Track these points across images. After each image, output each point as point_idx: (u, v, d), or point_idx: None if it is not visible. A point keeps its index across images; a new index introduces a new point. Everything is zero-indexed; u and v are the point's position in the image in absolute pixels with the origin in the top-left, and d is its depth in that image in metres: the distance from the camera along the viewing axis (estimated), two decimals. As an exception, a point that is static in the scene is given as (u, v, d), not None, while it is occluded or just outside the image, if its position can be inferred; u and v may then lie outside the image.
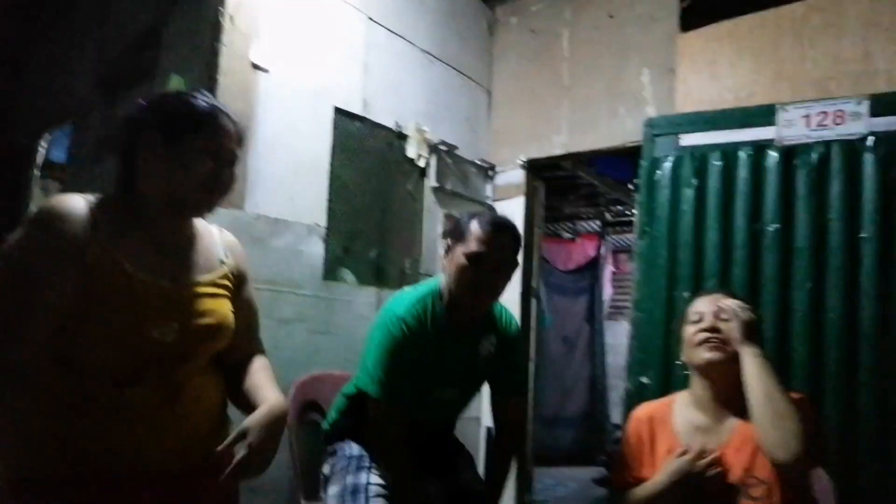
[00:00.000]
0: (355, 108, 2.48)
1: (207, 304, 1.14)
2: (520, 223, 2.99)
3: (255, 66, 2.09)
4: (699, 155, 2.20)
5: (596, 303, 5.71)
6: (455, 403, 1.68)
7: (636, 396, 2.23)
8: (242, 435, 1.06)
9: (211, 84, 2.00)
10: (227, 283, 1.22)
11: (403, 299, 1.55)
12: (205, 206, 1.17)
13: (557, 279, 5.55)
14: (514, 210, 3.04)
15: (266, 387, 1.19)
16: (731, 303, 1.47)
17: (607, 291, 5.80)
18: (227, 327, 1.18)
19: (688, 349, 1.48)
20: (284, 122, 2.21)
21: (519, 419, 1.86)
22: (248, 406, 1.16)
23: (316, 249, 2.32)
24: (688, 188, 2.20)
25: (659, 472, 1.39)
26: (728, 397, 1.39)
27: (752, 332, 1.40)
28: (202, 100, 1.16)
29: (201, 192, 1.12)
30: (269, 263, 2.14)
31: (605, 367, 5.69)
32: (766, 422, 1.27)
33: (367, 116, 2.53)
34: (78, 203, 1.04)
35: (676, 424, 1.47)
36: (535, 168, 3.06)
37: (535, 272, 3.13)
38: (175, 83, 2.11)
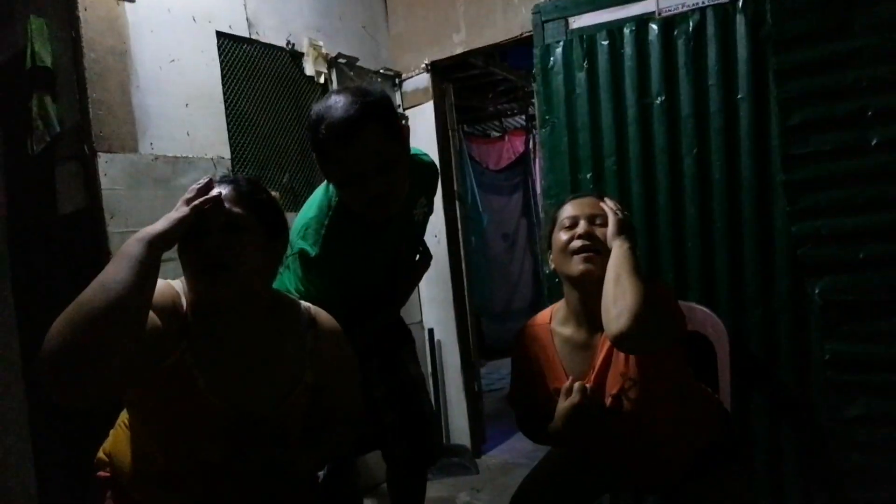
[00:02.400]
0: (240, 31, 2.38)
1: (274, 432, 1.11)
2: (432, 127, 3.01)
3: (118, -2, 1.97)
4: (587, 37, 2.23)
5: (530, 196, 5.85)
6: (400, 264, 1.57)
7: (552, 277, 2.37)
8: None
9: (73, 22, 1.89)
10: (305, 397, 1.18)
11: (303, 225, 1.43)
12: (214, 296, 1.07)
13: (490, 178, 5.63)
14: (425, 115, 3.04)
15: None
16: (609, 203, 1.42)
17: (540, 183, 5.91)
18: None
19: (560, 257, 1.40)
20: (164, 54, 2.12)
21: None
22: None
23: (224, 182, 2.30)
24: (579, 71, 2.24)
25: (556, 418, 1.37)
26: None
27: (625, 228, 1.36)
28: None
29: (199, 275, 1.06)
30: (176, 203, 2.12)
31: (546, 257, 5.90)
32: (609, 300, 1.26)
33: (255, 38, 2.44)
34: (173, 291, 1.08)
35: (556, 344, 1.46)
36: (441, 70, 3.03)
37: (456, 175, 3.18)
38: (36, 26, 1.98)
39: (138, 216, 1.96)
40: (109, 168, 1.94)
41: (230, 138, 2.31)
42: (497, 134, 5.91)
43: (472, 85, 4.51)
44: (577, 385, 1.36)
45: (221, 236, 1.05)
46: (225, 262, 1.04)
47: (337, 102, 1.27)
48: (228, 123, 2.31)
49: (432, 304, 3.15)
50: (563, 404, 1.37)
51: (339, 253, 1.39)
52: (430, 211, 1.66)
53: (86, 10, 1.90)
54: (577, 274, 1.36)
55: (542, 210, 2.45)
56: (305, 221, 1.45)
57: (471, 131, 5.70)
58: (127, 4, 1.99)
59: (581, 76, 2.24)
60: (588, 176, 2.25)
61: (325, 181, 1.44)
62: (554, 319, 1.51)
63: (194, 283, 1.08)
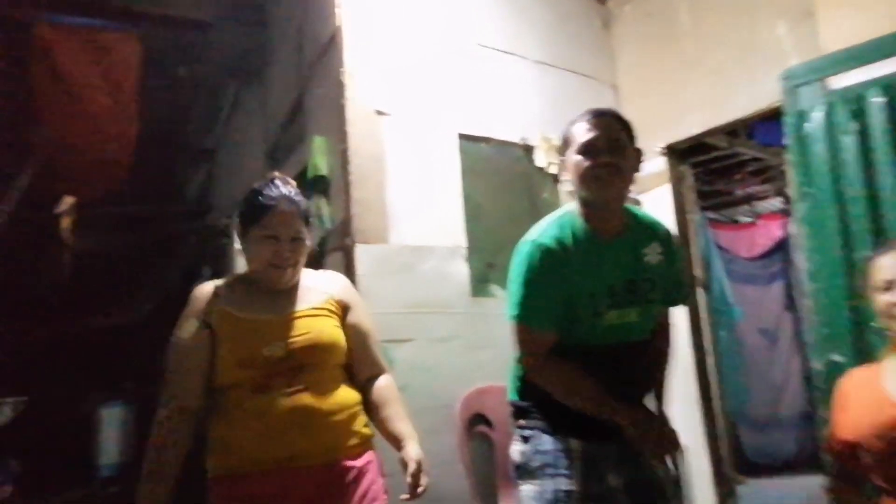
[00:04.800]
0: (478, 131, 2.59)
1: (307, 324, 1.43)
2: (669, 212, 2.85)
3: (379, 112, 2.31)
4: (854, 96, 1.94)
5: (794, 287, 5.10)
6: (636, 326, 1.54)
7: (829, 377, 1.98)
8: (404, 464, 1.37)
9: (343, 135, 2.26)
10: (329, 307, 1.48)
11: (537, 227, 1.55)
12: (278, 278, 1.44)
13: (742, 268, 5.07)
14: (662, 200, 2.90)
15: (402, 420, 1.47)
16: None
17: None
18: (329, 341, 1.44)
19: (885, 319, 1.42)
20: (413, 157, 2.39)
21: (667, 322, 1.71)
22: (385, 432, 1.46)
23: (460, 269, 2.43)
24: (846, 135, 1.94)
25: None
26: None
27: None
28: (268, 193, 1.44)
29: (270, 269, 1.43)
30: (418, 287, 2.31)
31: (818, 358, 5.01)
32: None
33: (491, 136, 2.63)
34: (206, 287, 1.47)
35: (886, 382, 1.41)
36: (678, 153, 2.90)
37: (697, 261, 2.93)
38: (317, 143, 2.42)
39: (385, 300, 2.17)
40: (364, 257, 2.20)
41: (466, 228, 2.47)
42: (748, 219, 5.37)
43: (715, 167, 4.23)
44: None
45: (291, 245, 1.43)
46: (291, 266, 1.44)
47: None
48: (466, 214, 2.48)
49: (674, 401, 2.84)
50: None
51: (563, 255, 1.48)
52: (677, 266, 1.63)
53: (353, 125, 2.26)
54: None
55: (809, 297, 2.11)
56: (538, 225, 1.56)
57: (716, 218, 5.26)
58: (385, 117, 2.33)
59: (848, 140, 1.94)
60: (866, 255, 1.88)
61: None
62: (885, 367, 1.45)
63: (264, 271, 1.44)
